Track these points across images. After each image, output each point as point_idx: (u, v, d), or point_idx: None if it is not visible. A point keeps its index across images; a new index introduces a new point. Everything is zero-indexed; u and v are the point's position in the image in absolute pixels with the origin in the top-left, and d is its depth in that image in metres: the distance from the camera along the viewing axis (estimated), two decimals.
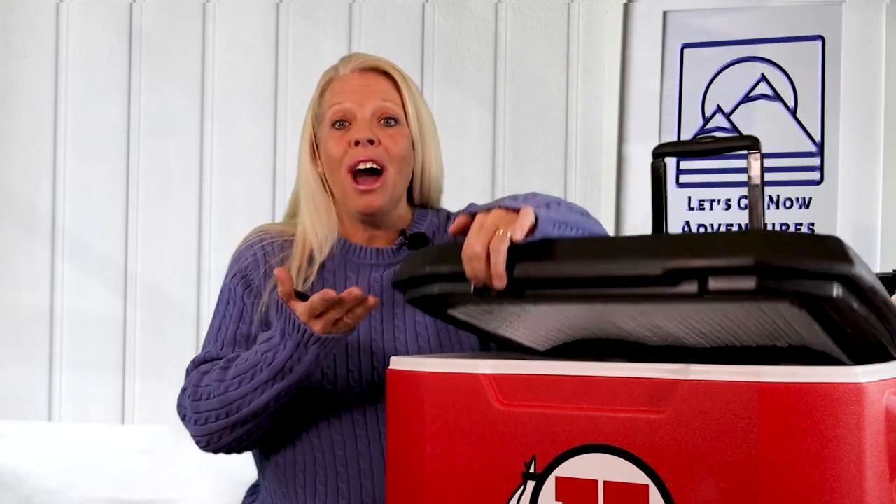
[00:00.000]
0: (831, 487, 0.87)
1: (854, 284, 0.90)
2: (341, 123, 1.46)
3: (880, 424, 0.89)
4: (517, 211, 1.09)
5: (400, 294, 1.43)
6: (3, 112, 2.60)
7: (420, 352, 1.44)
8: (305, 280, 1.44)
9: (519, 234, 1.06)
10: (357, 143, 1.43)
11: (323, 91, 1.50)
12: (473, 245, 1.09)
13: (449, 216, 1.56)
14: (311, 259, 1.46)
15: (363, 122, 1.44)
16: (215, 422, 1.38)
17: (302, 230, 1.48)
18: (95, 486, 2.39)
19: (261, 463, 1.51)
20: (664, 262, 0.94)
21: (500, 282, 1.07)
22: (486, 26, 2.45)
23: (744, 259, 0.89)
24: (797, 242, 0.90)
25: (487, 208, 1.13)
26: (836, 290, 0.89)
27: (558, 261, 1.03)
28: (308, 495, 1.43)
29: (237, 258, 1.51)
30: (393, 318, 1.46)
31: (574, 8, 2.42)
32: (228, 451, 1.43)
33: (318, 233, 1.47)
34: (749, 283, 0.90)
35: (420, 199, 1.55)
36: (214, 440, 1.40)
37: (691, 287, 0.93)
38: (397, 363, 1.16)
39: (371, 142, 1.43)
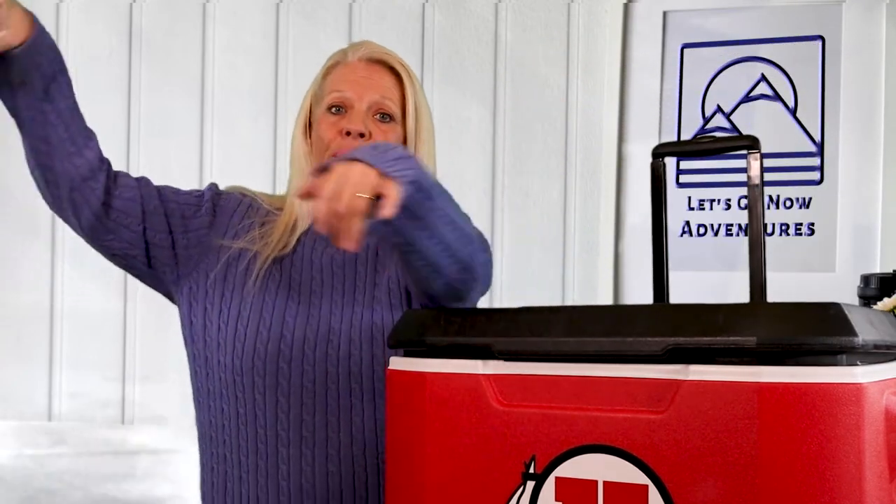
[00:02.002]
0: (831, 487, 0.87)
1: (860, 350, 0.90)
2: (338, 109, 1.46)
3: (880, 424, 0.89)
4: (380, 173, 1.08)
5: (361, 275, 1.46)
6: (3, 112, 2.60)
7: (374, 335, 1.43)
8: (284, 247, 1.47)
9: (389, 211, 1.06)
10: (348, 134, 1.43)
11: (327, 73, 1.51)
12: (336, 194, 1.06)
13: None
14: (293, 228, 1.49)
15: (358, 114, 1.45)
16: None
17: (290, 200, 1.51)
18: (95, 486, 2.39)
19: (206, 434, 1.49)
20: (665, 339, 0.95)
21: (353, 245, 1.07)
22: (486, 26, 2.45)
23: (746, 338, 0.90)
24: (799, 317, 0.90)
25: (350, 158, 1.11)
26: (841, 360, 0.90)
27: (554, 334, 1.03)
28: (250, 471, 1.43)
29: (229, 188, 1.57)
30: (353, 303, 1.45)
31: (574, 8, 2.42)
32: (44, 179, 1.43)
33: (302, 205, 1.48)
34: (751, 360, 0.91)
35: None
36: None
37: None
38: (397, 363, 1.16)
39: (362, 135, 1.43)
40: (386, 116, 1.46)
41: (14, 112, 1.39)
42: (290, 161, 1.56)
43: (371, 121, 1.45)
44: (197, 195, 1.52)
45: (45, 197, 1.45)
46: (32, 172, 1.43)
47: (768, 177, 2.25)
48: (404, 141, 1.48)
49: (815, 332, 0.89)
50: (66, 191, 1.42)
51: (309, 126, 1.53)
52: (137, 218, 1.46)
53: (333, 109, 1.47)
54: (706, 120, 2.35)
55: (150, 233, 1.47)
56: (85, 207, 1.43)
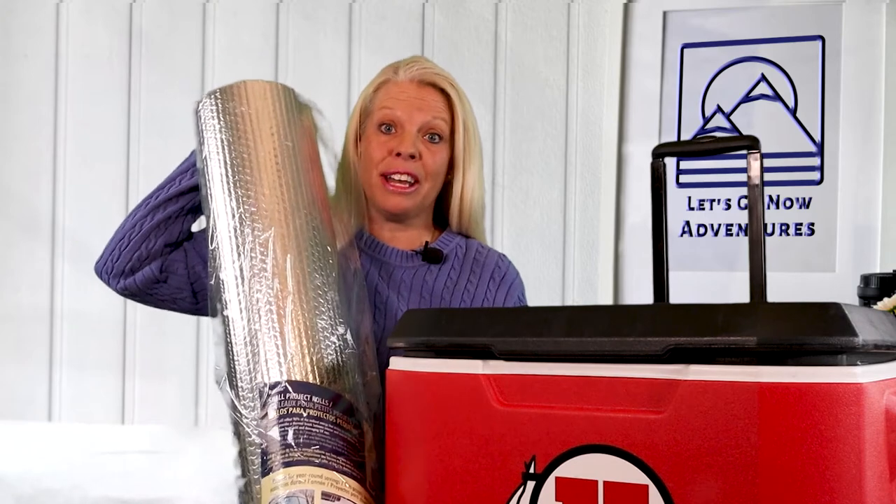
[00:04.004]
0: (831, 487, 0.87)
1: (860, 350, 0.90)
2: (388, 128, 1.49)
3: (880, 424, 0.89)
4: None
5: (422, 293, 1.49)
6: (3, 112, 2.60)
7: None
8: None
9: None
10: (398, 155, 1.46)
11: (377, 88, 1.53)
12: None
13: (478, 249, 1.56)
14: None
15: (409, 136, 1.47)
16: (113, 247, 1.47)
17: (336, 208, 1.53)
18: (95, 486, 2.39)
19: None
20: (665, 339, 0.94)
21: None
22: (486, 26, 2.45)
23: (746, 338, 0.90)
24: (799, 317, 0.90)
25: None
26: (841, 360, 0.89)
27: (554, 334, 1.03)
28: None
29: None
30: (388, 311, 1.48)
31: (574, 8, 2.42)
32: (123, 275, 1.49)
33: (339, 223, 1.50)
34: (751, 360, 0.91)
35: (458, 227, 1.57)
36: (106, 259, 1.48)
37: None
38: (397, 363, 1.16)
39: (412, 157, 1.46)
40: (435, 137, 1.49)
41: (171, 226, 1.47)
42: (337, 171, 1.55)
43: (421, 142, 1.48)
44: None
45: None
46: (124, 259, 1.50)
47: (768, 177, 2.25)
48: (452, 160, 1.51)
49: (815, 332, 0.89)
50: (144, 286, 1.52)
51: (358, 137, 1.54)
52: (184, 277, 1.49)
53: (384, 128, 1.49)
54: (706, 120, 2.35)
55: (193, 276, 1.49)
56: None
